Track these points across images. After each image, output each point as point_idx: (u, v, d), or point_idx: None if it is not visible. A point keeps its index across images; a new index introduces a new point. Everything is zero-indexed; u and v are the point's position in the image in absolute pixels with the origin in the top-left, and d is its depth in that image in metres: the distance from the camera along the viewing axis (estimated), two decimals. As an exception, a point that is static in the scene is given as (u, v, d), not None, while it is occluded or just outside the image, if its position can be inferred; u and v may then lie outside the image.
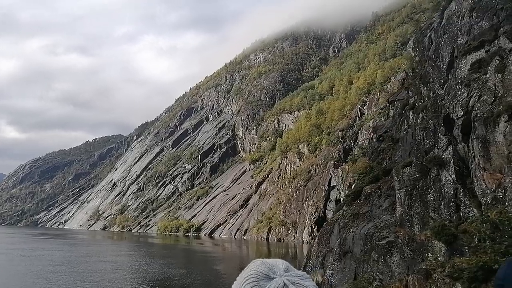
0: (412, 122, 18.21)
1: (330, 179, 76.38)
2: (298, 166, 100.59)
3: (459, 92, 14.21)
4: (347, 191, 71.62)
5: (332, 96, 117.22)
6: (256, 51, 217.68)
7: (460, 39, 16.58)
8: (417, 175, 14.53)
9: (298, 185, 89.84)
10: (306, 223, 77.25)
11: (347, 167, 73.50)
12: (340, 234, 17.19)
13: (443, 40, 17.84)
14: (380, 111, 66.42)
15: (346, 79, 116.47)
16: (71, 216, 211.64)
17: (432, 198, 13.84)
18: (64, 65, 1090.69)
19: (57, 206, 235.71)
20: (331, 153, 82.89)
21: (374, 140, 27.19)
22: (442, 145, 14.48)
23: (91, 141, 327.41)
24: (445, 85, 15.97)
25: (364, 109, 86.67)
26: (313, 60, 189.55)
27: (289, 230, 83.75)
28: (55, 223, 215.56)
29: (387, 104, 37.83)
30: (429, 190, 13.94)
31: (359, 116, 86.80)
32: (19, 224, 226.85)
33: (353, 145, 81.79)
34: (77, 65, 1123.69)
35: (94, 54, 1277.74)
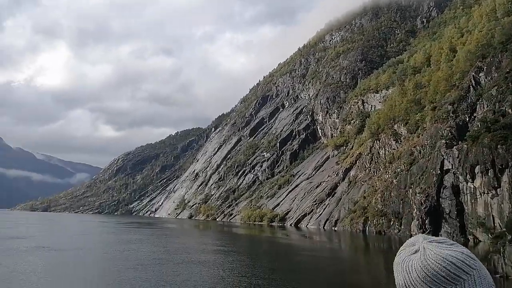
0: None
1: (442, 162, 63.74)
2: (394, 149, 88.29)
3: None
4: (468, 175, 58.73)
5: (430, 67, 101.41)
6: (332, 31, 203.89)
7: None
8: None
9: (398, 170, 78.07)
10: (414, 214, 65.78)
11: (465, 146, 60.41)
12: None
13: None
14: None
15: (447, 47, 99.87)
16: (160, 205, 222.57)
17: None
18: (151, 67, 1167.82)
19: (147, 196, 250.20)
20: (439, 131, 69.64)
21: None
22: None
23: (173, 134, 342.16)
24: None
25: (480, 76, 71.35)
26: (398, 34, 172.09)
27: (391, 221, 72.86)
28: (147, 212, 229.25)
29: None
30: None
31: (474, 85, 71.76)
32: (116, 213, 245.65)
33: (468, 120, 67.69)
34: (162, 67, 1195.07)
35: (176, 55, 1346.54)
